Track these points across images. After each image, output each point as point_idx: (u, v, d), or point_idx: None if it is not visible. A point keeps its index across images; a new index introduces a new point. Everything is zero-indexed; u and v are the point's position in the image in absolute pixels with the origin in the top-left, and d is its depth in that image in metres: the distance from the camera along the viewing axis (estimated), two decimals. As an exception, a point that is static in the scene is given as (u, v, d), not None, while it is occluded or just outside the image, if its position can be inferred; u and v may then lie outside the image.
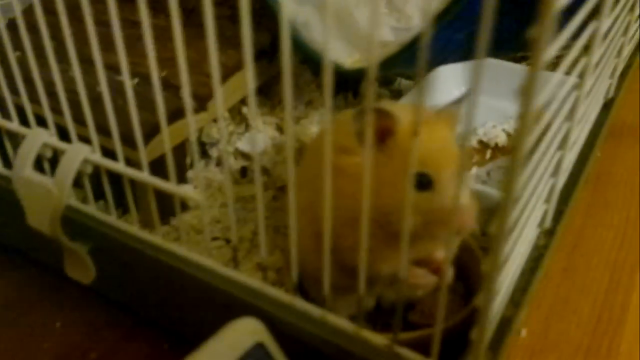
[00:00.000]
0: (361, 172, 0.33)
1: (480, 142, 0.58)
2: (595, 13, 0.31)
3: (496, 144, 0.58)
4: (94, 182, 0.41)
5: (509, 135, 0.58)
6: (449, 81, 0.64)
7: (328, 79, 0.25)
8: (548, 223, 0.40)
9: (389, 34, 0.49)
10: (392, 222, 0.33)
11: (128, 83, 0.32)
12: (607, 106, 0.55)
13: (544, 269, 0.40)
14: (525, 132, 0.21)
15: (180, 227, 0.37)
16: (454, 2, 0.37)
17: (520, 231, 0.32)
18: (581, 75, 0.34)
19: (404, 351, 0.31)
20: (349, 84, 0.59)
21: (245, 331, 0.32)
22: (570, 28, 0.26)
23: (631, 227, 0.58)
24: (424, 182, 0.33)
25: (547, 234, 0.40)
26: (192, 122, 0.31)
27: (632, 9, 0.51)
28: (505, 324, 0.33)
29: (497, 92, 0.48)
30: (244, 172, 0.51)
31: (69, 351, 0.46)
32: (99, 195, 0.42)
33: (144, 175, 0.35)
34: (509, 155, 0.33)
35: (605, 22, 0.32)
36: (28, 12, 0.38)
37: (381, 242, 0.34)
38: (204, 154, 0.50)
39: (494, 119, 0.60)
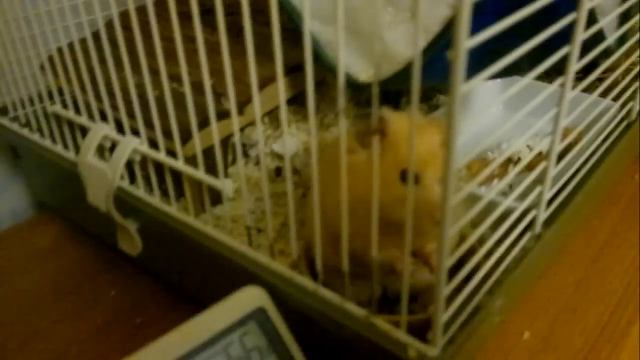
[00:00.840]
0: (360, 167, 0.39)
1: (500, 155, 0.61)
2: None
3: (519, 158, 0.61)
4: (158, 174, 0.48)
5: (531, 150, 0.61)
6: (486, 97, 0.68)
7: (310, 88, 0.30)
8: (538, 228, 0.44)
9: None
10: (385, 212, 0.38)
11: (167, 87, 0.39)
12: (629, 127, 0.58)
13: (529, 269, 0.43)
14: (454, 131, 0.26)
15: (208, 213, 0.43)
16: (448, 25, 0.42)
17: (491, 228, 0.36)
18: (562, 86, 0.38)
19: (378, 320, 0.36)
20: (390, 96, 0.64)
21: (250, 297, 0.38)
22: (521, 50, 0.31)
23: (654, 249, 0.59)
24: None
25: (536, 239, 0.43)
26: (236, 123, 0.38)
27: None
28: (477, 310, 0.37)
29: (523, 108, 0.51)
30: (278, 171, 0.57)
31: (118, 315, 0.54)
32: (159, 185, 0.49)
33: (179, 164, 0.42)
34: (530, 170, 0.38)
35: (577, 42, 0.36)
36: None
37: (381, 231, 0.39)
38: (244, 153, 0.57)
39: (519, 134, 0.63)
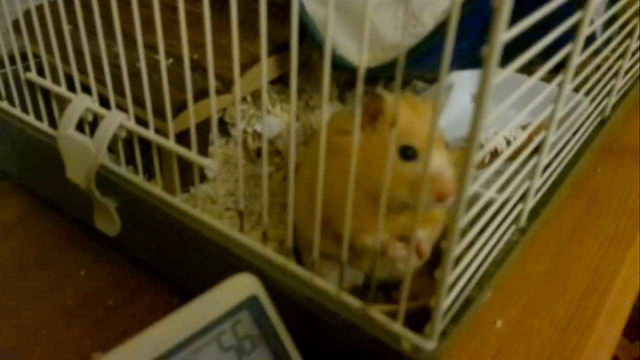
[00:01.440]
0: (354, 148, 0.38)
1: (481, 146, 0.62)
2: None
3: (495, 150, 0.62)
4: (128, 149, 0.46)
5: (508, 142, 0.62)
6: (461, 87, 0.68)
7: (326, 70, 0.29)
8: (523, 222, 0.44)
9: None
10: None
11: (163, 62, 0.37)
12: (603, 124, 0.59)
13: (514, 262, 0.44)
14: (477, 132, 0.26)
15: (196, 194, 0.42)
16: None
17: (486, 222, 0.37)
18: (559, 85, 0.38)
19: (375, 313, 0.35)
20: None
21: (243, 284, 0.37)
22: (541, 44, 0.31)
23: (617, 240, 0.61)
24: (410, 154, 0.38)
25: (521, 232, 0.44)
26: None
27: (630, 34, 0.55)
28: (468, 303, 0.38)
29: (502, 100, 0.51)
30: (259, 152, 0.56)
31: (89, 296, 0.52)
32: (131, 161, 0.47)
33: (169, 143, 0.41)
34: (508, 161, 0.38)
35: (579, 43, 0.37)
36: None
37: (371, 214, 0.38)
38: (226, 132, 0.55)
39: (497, 125, 0.64)
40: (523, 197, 0.43)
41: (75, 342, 0.47)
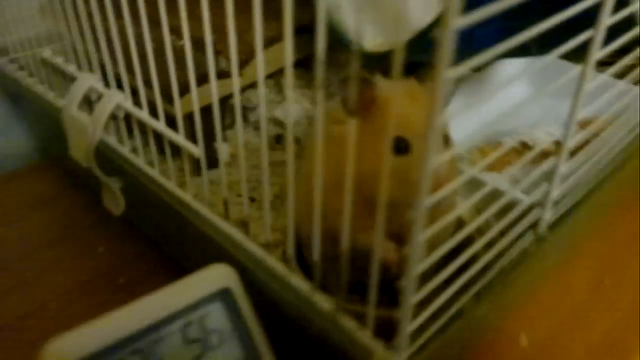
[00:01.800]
0: (346, 138, 0.35)
1: (524, 143, 0.56)
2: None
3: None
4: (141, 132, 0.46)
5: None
6: (511, 77, 0.63)
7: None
8: (542, 229, 0.40)
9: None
10: (373, 187, 0.34)
11: (148, 45, 0.36)
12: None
13: (530, 274, 0.39)
14: (435, 132, 0.22)
15: (188, 181, 0.41)
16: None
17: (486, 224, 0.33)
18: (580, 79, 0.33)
19: (344, 318, 0.33)
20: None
21: (216, 275, 0.36)
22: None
23: (678, 257, 0.54)
24: (402, 147, 0.35)
25: (539, 241, 0.39)
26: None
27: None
28: (458, 315, 0.34)
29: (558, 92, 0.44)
30: (278, 138, 0.54)
31: (104, 273, 0.52)
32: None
33: (161, 126, 0.40)
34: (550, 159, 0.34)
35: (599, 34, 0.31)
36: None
37: (361, 211, 0.35)
38: (244, 118, 0.54)
39: (546, 120, 0.57)
40: (541, 202, 0.38)
41: (77, 319, 0.47)
